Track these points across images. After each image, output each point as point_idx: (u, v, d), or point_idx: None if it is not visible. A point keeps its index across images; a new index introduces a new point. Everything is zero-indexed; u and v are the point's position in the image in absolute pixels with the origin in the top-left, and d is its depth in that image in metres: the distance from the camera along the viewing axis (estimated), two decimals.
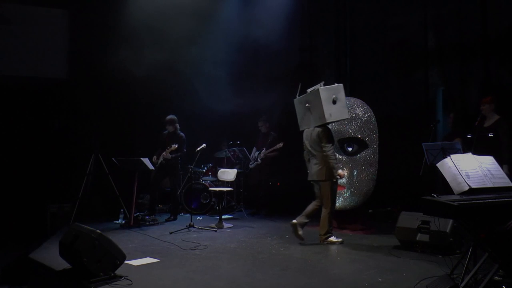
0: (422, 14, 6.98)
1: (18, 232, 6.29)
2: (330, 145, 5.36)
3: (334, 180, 5.43)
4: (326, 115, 5.36)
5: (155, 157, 7.17)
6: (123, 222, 6.89)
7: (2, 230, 6.18)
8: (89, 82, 7.80)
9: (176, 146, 7.03)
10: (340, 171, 5.44)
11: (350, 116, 5.54)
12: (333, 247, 5.35)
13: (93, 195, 7.23)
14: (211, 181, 8.13)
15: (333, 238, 5.50)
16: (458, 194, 3.44)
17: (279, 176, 8.34)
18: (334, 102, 5.36)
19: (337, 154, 6.20)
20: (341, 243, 5.47)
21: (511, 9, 6.01)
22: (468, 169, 3.55)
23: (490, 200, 3.32)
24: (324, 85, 5.48)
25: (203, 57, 8.27)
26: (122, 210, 7.01)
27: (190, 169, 6.88)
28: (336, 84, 5.52)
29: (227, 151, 8.39)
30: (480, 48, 6.21)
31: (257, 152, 8.11)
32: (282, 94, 8.40)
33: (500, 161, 4.80)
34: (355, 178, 6.17)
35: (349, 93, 7.36)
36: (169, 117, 7.29)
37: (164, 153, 7.14)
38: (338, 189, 6.20)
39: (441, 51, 6.82)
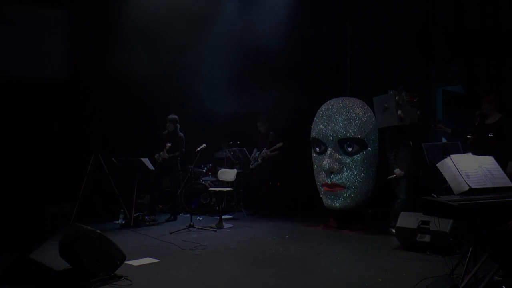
0: (424, 10, 6.98)
1: (18, 232, 6.28)
2: (390, 147, 6.04)
3: (390, 178, 5.98)
4: (377, 122, 6.12)
5: (157, 154, 7.19)
6: (123, 222, 6.89)
7: (2, 230, 6.17)
8: (89, 83, 7.80)
9: (170, 145, 7.08)
10: (395, 171, 5.89)
11: (398, 123, 5.92)
12: (334, 247, 5.35)
13: (93, 195, 7.24)
14: (211, 181, 8.13)
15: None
16: (458, 194, 3.44)
17: (279, 177, 8.34)
18: (384, 109, 5.95)
19: (337, 154, 6.23)
20: None
21: None
22: (468, 169, 3.55)
23: (490, 200, 3.32)
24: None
25: (203, 58, 8.27)
26: (122, 210, 7.01)
27: (190, 169, 6.89)
28: (389, 92, 5.97)
29: (227, 151, 8.39)
30: None
31: (258, 153, 8.11)
32: (281, 94, 8.41)
33: (503, 159, 4.81)
34: (355, 178, 6.18)
35: (349, 93, 7.36)
36: (170, 116, 7.35)
37: (162, 152, 7.16)
38: (338, 189, 6.22)
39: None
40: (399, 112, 5.86)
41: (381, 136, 6.39)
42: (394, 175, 5.95)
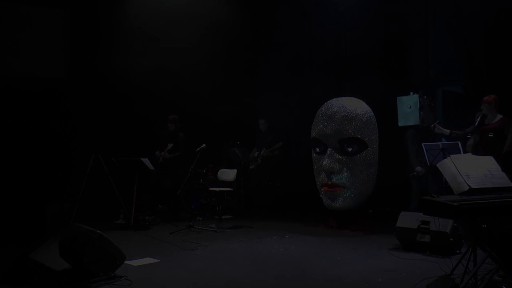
0: (424, 6, 6.98)
1: (18, 232, 6.28)
2: (411, 147, 6.21)
3: (412, 174, 6.16)
4: (400, 121, 6.26)
5: (157, 152, 7.18)
6: (123, 222, 6.89)
7: (2, 230, 6.17)
8: (89, 82, 7.80)
9: (171, 145, 7.08)
10: (417, 168, 6.06)
11: (419, 123, 6.12)
12: (334, 247, 5.35)
13: (93, 195, 7.23)
14: (211, 181, 8.12)
15: None
16: (458, 194, 3.44)
17: (279, 176, 8.33)
18: (407, 109, 6.17)
19: (337, 155, 6.23)
20: None
21: None
22: (468, 169, 3.55)
23: (490, 200, 3.32)
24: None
25: (203, 58, 8.28)
26: (122, 210, 7.00)
27: (190, 169, 6.88)
28: (412, 94, 6.20)
29: (227, 151, 8.38)
30: None
31: (257, 152, 8.11)
32: (281, 94, 8.42)
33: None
34: (355, 178, 6.17)
35: (349, 93, 7.36)
36: (171, 116, 7.37)
37: (163, 152, 7.16)
38: (338, 189, 6.22)
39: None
40: (421, 113, 6.08)
41: (400, 134, 6.49)
42: (415, 172, 6.12)
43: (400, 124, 6.31)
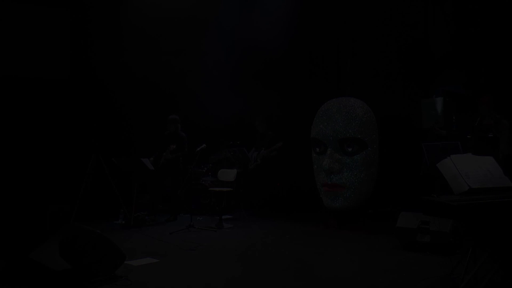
0: (425, 14, 6.98)
1: (18, 232, 6.28)
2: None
3: None
4: (424, 124, 6.25)
5: (152, 158, 7.09)
6: (123, 222, 6.89)
7: (2, 230, 6.17)
8: (89, 83, 7.80)
9: (174, 146, 7.06)
10: None
11: (440, 125, 6.17)
12: (334, 247, 5.35)
13: (93, 195, 7.23)
14: (211, 181, 8.12)
15: None
16: (458, 194, 3.44)
17: (279, 177, 8.32)
18: (432, 112, 6.20)
19: (337, 154, 6.23)
20: None
21: None
22: (468, 169, 3.55)
23: (490, 200, 3.32)
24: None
25: (203, 58, 8.27)
26: (122, 210, 7.00)
27: (190, 169, 6.88)
28: (435, 98, 6.30)
29: (228, 151, 8.37)
30: None
31: (256, 153, 8.10)
32: (281, 94, 8.41)
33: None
34: (355, 178, 6.17)
35: (349, 93, 7.35)
36: (171, 116, 7.32)
37: (164, 153, 7.15)
38: (338, 189, 6.22)
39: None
40: (445, 116, 6.14)
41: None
42: None
43: (425, 127, 6.35)
